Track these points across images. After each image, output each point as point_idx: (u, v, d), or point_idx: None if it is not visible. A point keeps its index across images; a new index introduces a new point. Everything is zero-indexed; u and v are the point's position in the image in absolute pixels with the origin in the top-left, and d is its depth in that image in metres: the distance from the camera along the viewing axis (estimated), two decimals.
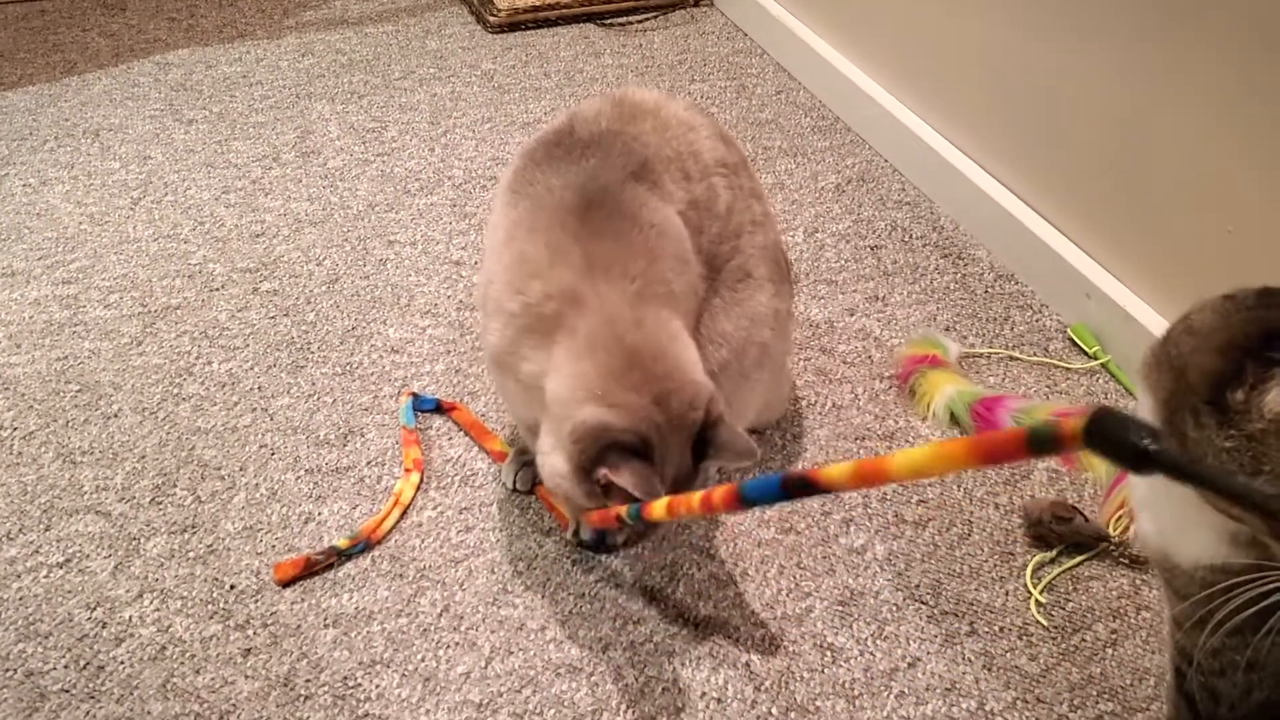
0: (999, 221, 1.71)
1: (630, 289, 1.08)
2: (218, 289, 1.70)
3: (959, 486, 1.35)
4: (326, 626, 1.20)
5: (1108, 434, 0.55)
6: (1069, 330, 1.56)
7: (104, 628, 1.20)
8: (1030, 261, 1.66)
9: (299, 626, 1.20)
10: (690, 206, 1.20)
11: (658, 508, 1.01)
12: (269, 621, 1.21)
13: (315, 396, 1.50)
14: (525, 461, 1.34)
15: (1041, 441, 0.62)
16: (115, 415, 1.47)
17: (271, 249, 1.79)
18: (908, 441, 1.41)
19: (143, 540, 1.30)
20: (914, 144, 1.89)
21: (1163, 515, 0.79)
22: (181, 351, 1.58)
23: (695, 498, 0.96)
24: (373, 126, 2.12)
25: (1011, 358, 1.53)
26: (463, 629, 1.19)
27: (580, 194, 1.12)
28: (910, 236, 1.78)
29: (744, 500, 0.89)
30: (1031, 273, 1.66)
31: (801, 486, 0.82)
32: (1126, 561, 1.25)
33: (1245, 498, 0.60)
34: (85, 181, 1.97)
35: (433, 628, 1.20)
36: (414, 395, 1.46)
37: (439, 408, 1.46)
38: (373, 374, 1.53)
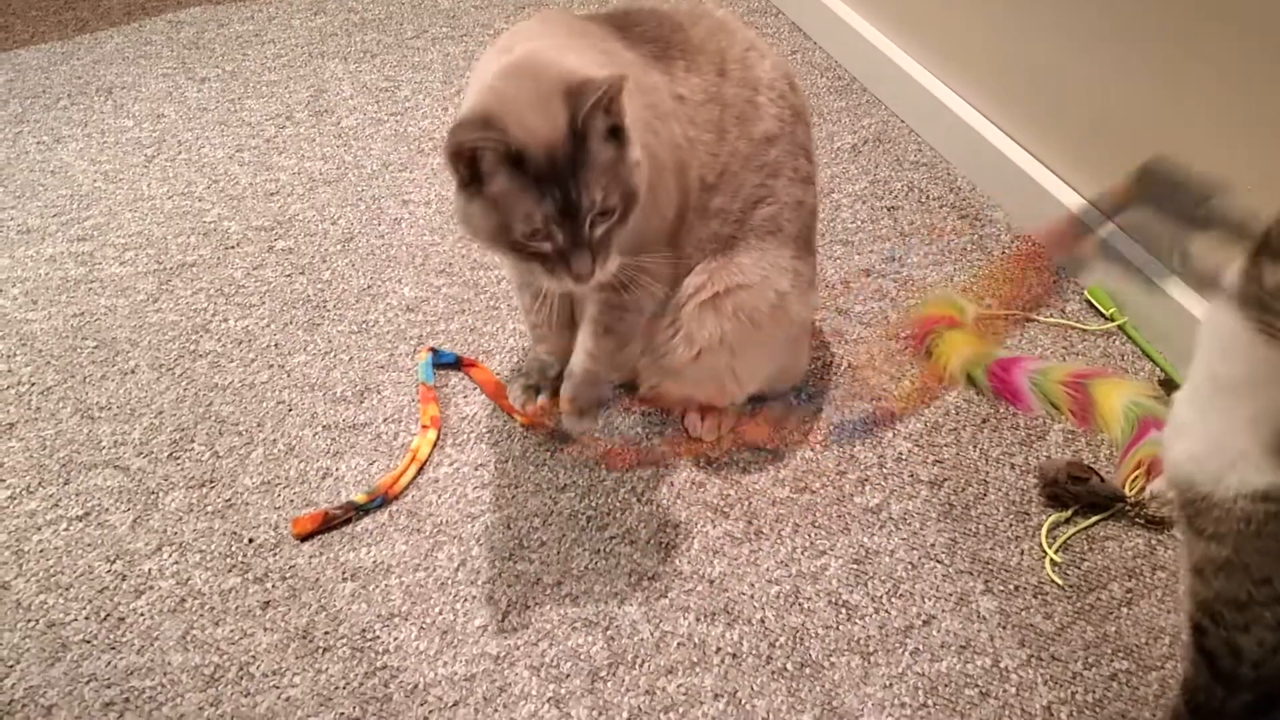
0: (1016, 182, 1.69)
1: (565, 44, 1.10)
2: (233, 247, 1.70)
3: (975, 447, 1.35)
4: (345, 580, 1.21)
5: None
6: (1086, 292, 1.55)
7: (124, 580, 1.22)
8: (1048, 223, 1.64)
9: (317, 580, 1.21)
10: (712, 100, 1.18)
11: None
12: (287, 575, 1.22)
13: (332, 354, 1.50)
14: (529, 385, 1.37)
15: None
16: (132, 371, 1.48)
17: (286, 207, 1.78)
18: (924, 403, 1.41)
19: (161, 494, 1.31)
20: (931, 104, 1.87)
21: (1203, 438, 0.77)
22: (198, 308, 1.58)
23: None
24: (386, 86, 2.11)
25: (1028, 319, 1.52)
26: (479, 583, 1.20)
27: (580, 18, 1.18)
28: (927, 197, 1.77)
29: None
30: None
31: None
32: (1142, 522, 1.25)
33: None
34: (99, 139, 1.96)
35: (450, 581, 1.21)
36: (433, 351, 1.46)
37: (458, 363, 1.46)
38: (388, 332, 1.53)
